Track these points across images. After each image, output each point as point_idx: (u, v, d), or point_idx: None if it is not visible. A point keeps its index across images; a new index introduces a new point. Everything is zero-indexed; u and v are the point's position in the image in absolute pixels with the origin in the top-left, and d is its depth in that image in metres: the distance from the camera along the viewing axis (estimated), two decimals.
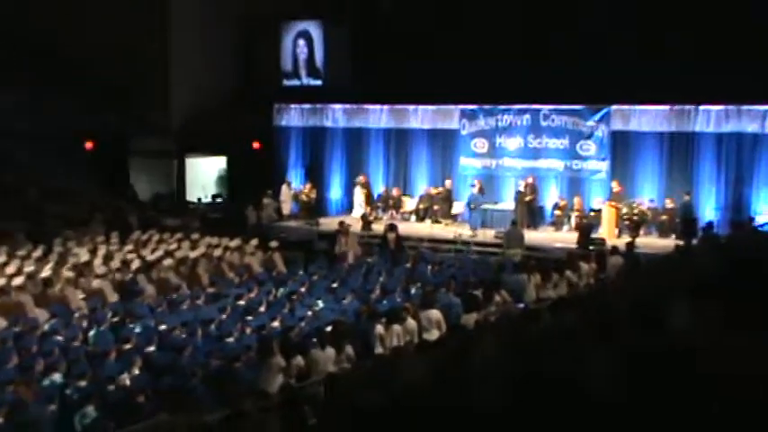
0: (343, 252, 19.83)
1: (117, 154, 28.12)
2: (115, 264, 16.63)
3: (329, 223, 24.07)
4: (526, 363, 3.21)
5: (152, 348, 11.54)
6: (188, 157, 29.53)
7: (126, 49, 27.21)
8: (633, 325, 3.87)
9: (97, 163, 27.13)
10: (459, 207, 24.90)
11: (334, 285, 15.68)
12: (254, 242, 19.59)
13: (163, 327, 12.64)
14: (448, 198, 24.80)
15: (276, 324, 12.84)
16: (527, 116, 24.40)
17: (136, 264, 16.57)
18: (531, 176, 23.76)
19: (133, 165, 28.79)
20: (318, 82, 28.38)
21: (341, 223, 21.27)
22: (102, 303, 14.20)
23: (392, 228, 21.20)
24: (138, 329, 12.44)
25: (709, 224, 19.51)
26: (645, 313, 4.05)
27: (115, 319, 13.14)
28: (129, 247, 18.78)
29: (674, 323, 3.75)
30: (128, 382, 10.10)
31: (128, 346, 11.48)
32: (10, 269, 15.70)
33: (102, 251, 17.93)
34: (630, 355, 2.91)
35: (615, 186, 22.37)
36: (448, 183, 24.97)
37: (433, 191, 25.28)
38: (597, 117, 23.41)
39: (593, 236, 20.95)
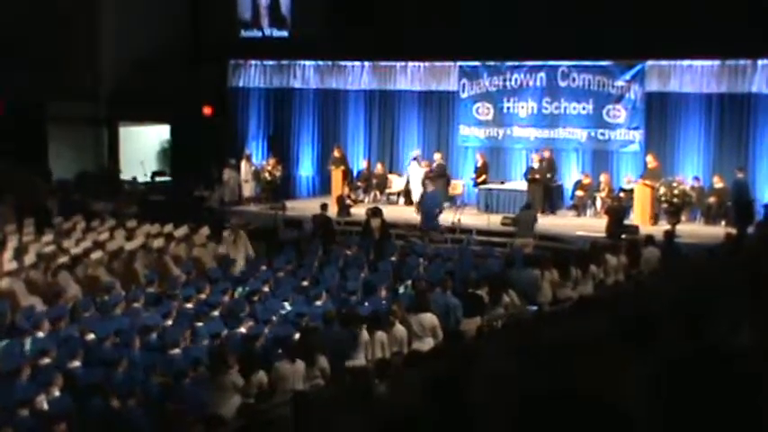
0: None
1: (32, 121, 27.91)
2: (30, 258, 16.49)
3: (298, 207, 24.01)
4: (540, 378, 3.18)
5: (76, 363, 11.45)
6: (122, 125, 29.38)
7: None
8: (673, 332, 3.85)
9: (6, 132, 26.92)
10: (458, 186, 24.91)
11: (305, 283, 15.64)
12: (205, 231, 19.50)
13: (90, 336, 12.54)
14: (443, 175, 24.77)
15: (233, 332, 12.79)
16: (542, 74, 24.39)
17: (57, 258, 16.44)
18: (548, 149, 23.77)
19: (53, 134, 28.61)
20: (284, 33, 28.24)
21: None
22: (13, 308, 14.07)
23: (376, 212, 21.14)
24: (58, 340, 12.33)
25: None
26: (688, 318, 4.02)
27: (29, 328, 13.03)
28: (48, 237, 18.63)
29: (725, 329, 3.73)
30: (45, 406, 10.01)
31: (45, 361, 11.38)
32: None
33: (12, 243, 17.76)
34: (670, 367, 2.88)
35: (651, 161, 22.39)
36: (438, 156, 24.91)
37: (425, 166, 25.22)
38: (629, 75, 23.43)
39: (625, 222, 20.98)
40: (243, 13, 28.68)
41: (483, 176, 24.43)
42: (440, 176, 24.61)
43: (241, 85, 28.58)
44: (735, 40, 21.07)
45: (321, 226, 20.91)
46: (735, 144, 22.63)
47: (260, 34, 28.59)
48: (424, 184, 22.53)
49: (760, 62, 22.01)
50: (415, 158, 25.14)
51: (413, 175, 25.02)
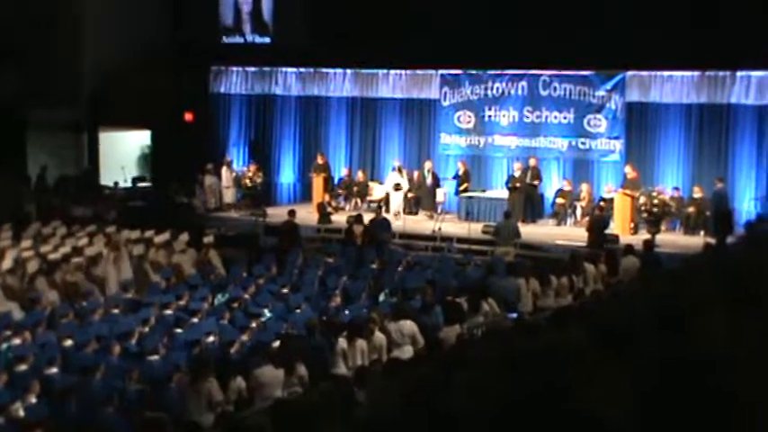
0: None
1: (10, 126, 27.71)
2: (6, 264, 16.39)
3: (279, 214, 23.94)
4: (521, 387, 3.15)
5: (54, 370, 11.39)
6: (102, 130, 29.21)
7: None
8: (651, 342, 3.83)
9: None
10: (441, 195, 24.88)
11: (285, 291, 15.66)
12: (185, 237, 19.44)
13: (68, 342, 12.48)
14: (424, 184, 24.74)
15: (212, 339, 12.75)
16: (523, 83, 24.44)
17: (34, 264, 16.35)
18: (533, 157, 23.80)
19: (32, 139, 28.42)
20: (266, 39, 28.20)
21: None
22: None
23: (358, 219, 21.14)
24: (35, 346, 12.26)
25: (759, 218, 19.34)
26: (666, 328, 4.00)
27: (7, 333, 12.95)
28: (26, 242, 18.52)
29: (703, 340, 3.71)
30: (21, 413, 9.95)
31: (22, 367, 11.31)
32: None
33: None
34: (648, 378, 2.86)
35: (629, 172, 22.44)
36: (428, 165, 24.88)
37: (406, 175, 25.07)
38: (609, 85, 23.51)
39: (606, 232, 20.98)
40: (225, 19, 28.62)
41: (464, 185, 24.41)
42: (424, 185, 24.62)
43: (223, 91, 28.51)
44: (714, 51, 21.18)
45: (286, 232, 20.87)
46: (714, 154, 22.72)
47: (242, 40, 28.53)
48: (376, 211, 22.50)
49: (739, 73, 22.12)
50: (394, 168, 25.02)
51: (390, 183, 24.97)
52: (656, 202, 21.66)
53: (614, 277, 16.88)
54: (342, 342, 12.15)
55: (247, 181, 26.10)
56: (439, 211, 24.14)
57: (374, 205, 25.45)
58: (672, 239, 20.98)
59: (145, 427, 9.66)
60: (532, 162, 23.65)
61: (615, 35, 22.03)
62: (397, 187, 23.77)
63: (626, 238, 20.19)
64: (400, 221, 22.90)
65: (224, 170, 26.43)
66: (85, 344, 12.25)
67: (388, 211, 24.18)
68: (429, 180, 24.60)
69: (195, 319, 13.84)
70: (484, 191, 24.42)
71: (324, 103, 27.30)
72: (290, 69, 27.45)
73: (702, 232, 21.43)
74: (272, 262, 17.97)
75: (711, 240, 18.07)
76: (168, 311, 14.23)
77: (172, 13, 29.46)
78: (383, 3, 25.17)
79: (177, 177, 26.26)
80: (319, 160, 25.83)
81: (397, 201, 24.39)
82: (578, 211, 23.20)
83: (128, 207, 25.03)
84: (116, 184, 27.88)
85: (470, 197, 23.88)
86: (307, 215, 23.28)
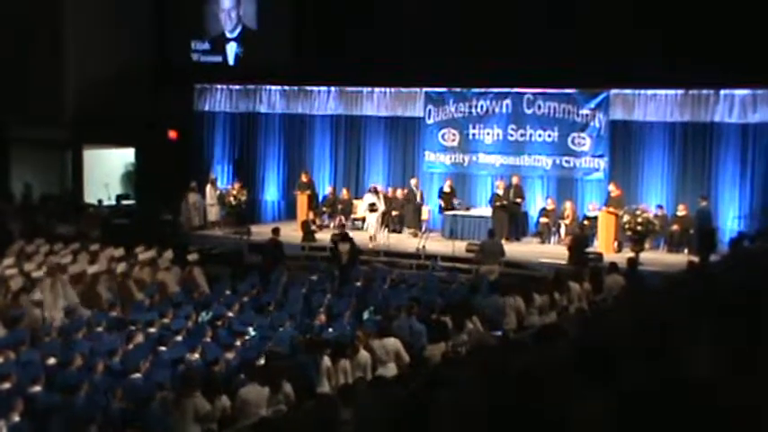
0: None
1: None
2: None
3: (263, 232, 23.95)
4: (505, 405, 3.19)
5: (37, 388, 11.34)
6: (86, 148, 29.20)
7: (4, 14, 26.82)
8: (634, 362, 3.87)
9: None
10: (426, 213, 24.90)
11: (269, 309, 15.64)
12: (169, 255, 19.41)
13: (52, 360, 12.43)
14: (413, 201, 24.75)
15: (196, 356, 12.72)
16: (507, 102, 24.56)
17: (17, 281, 16.28)
18: (516, 175, 23.86)
19: (15, 157, 28.39)
20: (250, 57, 28.23)
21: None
22: None
23: (345, 237, 21.14)
24: (18, 364, 12.20)
25: (741, 235, 19.48)
26: (650, 345, 4.05)
27: None
28: (9, 260, 18.46)
29: (687, 360, 3.75)
30: None
31: (5, 386, 11.26)
32: None
33: None
34: (631, 397, 2.90)
35: (613, 190, 22.49)
36: (414, 181, 24.92)
37: (388, 195, 25.02)
38: (593, 104, 23.64)
39: (588, 250, 21.04)
40: (209, 37, 28.66)
41: (454, 201, 24.42)
42: (409, 202, 24.65)
43: (207, 109, 28.53)
44: (698, 70, 21.29)
45: (270, 250, 20.88)
46: (698, 172, 22.85)
47: (226, 58, 28.57)
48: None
49: (722, 92, 22.26)
50: (371, 190, 24.79)
51: (365, 204, 24.89)
52: (639, 220, 21.72)
53: (598, 295, 16.93)
54: (326, 360, 12.16)
55: (231, 199, 26.10)
56: (423, 228, 24.16)
57: (358, 223, 25.50)
58: (656, 257, 21.06)
59: None
60: (515, 180, 23.71)
61: (599, 54, 22.14)
62: (372, 208, 23.74)
63: (610, 257, 20.25)
64: (381, 241, 22.85)
65: (208, 188, 26.40)
66: (69, 362, 12.21)
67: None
68: (418, 197, 24.64)
69: (179, 337, 13.81)
70: (468, 209, 24.47)
71: (308, 121, 27.35)
72: (274, 87, 27.51)
73: (686, 250, 21.53)
74: (257, 280, 17.96)
75: (695, 258, 18.19)
76: (152, 329, 14.18)
77: (155, 31, 29.49)
78: (367, 21, 25.27)
79: (161, 195, 26.25)
80: (303, 178, 25.87)
81: (371, 221, 24.20)
82: (562, 230, 23.27)
83: (112, 225, 24.97)
84: (100, 201, 27.86)
85: (455, 215, 23.94)
86: (291, 233, 23.27)
